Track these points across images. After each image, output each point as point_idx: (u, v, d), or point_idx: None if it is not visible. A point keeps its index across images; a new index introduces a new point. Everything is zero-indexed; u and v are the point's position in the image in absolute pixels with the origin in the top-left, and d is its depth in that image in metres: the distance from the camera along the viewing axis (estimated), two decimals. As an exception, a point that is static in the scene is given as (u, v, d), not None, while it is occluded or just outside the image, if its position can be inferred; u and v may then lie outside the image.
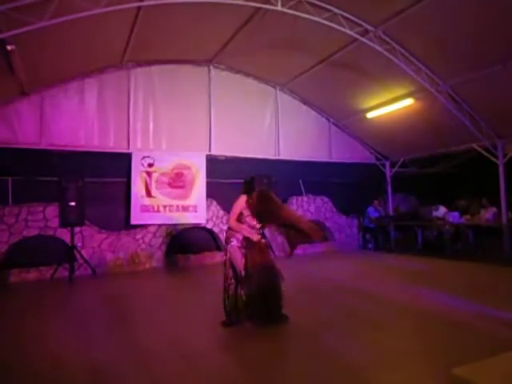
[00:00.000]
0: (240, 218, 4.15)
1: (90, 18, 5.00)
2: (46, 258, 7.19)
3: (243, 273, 4.03)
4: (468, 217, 9.02)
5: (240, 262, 4.07)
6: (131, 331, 4.11)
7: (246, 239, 4.11)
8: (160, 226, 8.34)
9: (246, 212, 4.14)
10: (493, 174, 8.23)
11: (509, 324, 3.92)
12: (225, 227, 8.81)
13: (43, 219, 7.28)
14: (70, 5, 4.76)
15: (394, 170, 10.85)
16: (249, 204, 4.13)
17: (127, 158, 8.19)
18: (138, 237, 8.12)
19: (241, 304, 4.05)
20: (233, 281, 4.09)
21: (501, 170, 8.10)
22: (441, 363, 2.96)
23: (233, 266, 4.11)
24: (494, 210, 8.49)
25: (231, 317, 4.07)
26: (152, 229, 8.27)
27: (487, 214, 8.63)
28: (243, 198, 4.17)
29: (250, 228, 4.14)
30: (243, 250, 4.10)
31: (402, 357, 3.24)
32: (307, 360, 3.22)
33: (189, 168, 8.70)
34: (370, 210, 10.56)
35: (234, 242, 4.12)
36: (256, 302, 4.00)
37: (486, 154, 8.20)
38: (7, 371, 3.12)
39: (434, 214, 9.32)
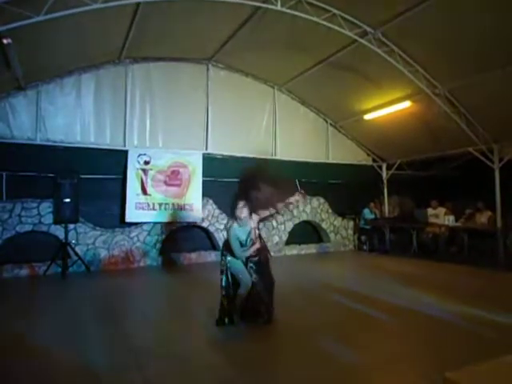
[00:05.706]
0: None
1: (88, 13, 4.96)
2: (40, 254, 7.14)
3: (242, 273, 4.02)
4: (463, 220, 9.05)
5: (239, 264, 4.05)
6: (124, 329, 4.08)
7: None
8: (155, 224, 8.29)
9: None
10: (488, 177, 8.26)
11: (501, 327, 3.92)
12: (220, 226, 8.84)
13: (37, 215, 7.22)
14: (68, 0, 4.72)
15: (390, 172, 10.88)
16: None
17: (123, 155, 8.13)
18: (132, 234, 8.07)
19: (236, 304, 4.02)
20: (229, 280, 4.07)
21: (496, 174, 8.13)
22: (434, 366, 2.96)
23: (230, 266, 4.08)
24: (490, 213, 8.51)
25: (226, 316, 4.04)
26: (147, 227, 8.22)
27: (482, 218, 8.66)
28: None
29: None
30: None
31: (394, 359, 3.23)
32: (299, 361, 3.21)
33: (185, 166, 8.66)
34: (366, 211, 10.58)
35: None
36: (251, 302, 4.00)
37: (481, 157, 8.22)
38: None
39: (430, 211, 9.35)
